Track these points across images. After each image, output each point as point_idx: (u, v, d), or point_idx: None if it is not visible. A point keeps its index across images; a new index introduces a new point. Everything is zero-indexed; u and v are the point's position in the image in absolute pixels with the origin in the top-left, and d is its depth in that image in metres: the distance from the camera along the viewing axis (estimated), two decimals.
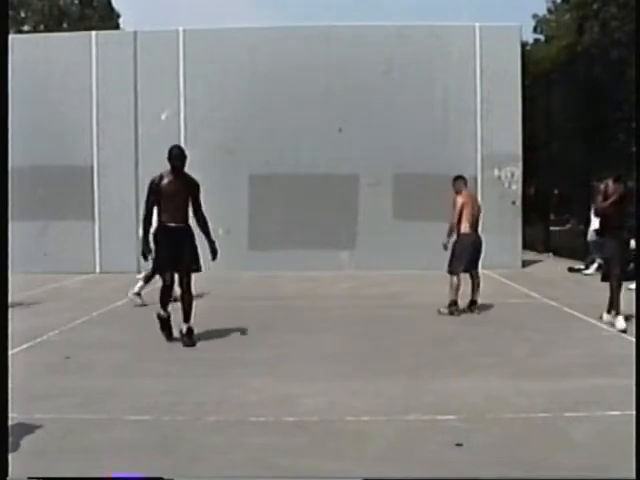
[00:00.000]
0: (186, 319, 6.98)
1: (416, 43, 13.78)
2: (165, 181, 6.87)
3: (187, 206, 6.94)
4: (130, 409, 4.80)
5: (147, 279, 9.67)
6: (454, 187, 8.77)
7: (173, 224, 6.85)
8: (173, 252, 6.82)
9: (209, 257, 7.00)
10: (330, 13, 52.59)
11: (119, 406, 4.88)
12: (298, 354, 6.48)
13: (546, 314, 8.54)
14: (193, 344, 6.83)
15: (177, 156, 6.90)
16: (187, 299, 7.00)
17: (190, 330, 6.97)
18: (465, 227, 8.58)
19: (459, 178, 8.87)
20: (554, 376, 5.51)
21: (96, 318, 8.62)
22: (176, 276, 7.01)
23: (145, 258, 7.01)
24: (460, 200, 8.60)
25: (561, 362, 6.00)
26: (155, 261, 7.05)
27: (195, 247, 6.99)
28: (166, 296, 7.00)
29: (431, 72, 13.74)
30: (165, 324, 7.05)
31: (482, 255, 8.86)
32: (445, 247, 8.69)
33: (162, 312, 7.03)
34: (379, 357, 6.36)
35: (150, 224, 6.93)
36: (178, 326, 7.04)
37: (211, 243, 7.05)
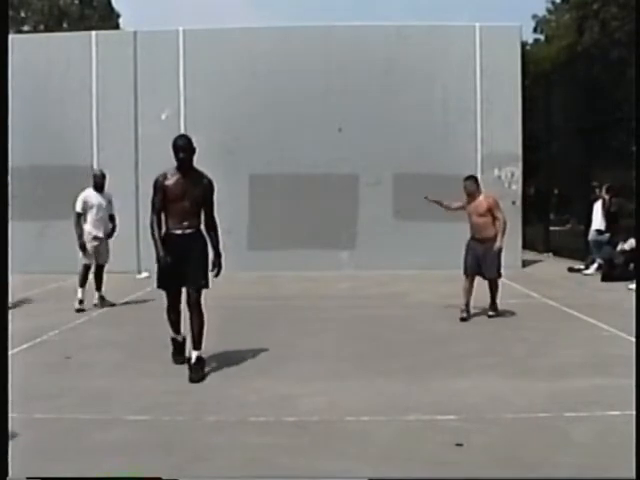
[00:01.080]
0: (195, 346, 5.84)
1: (416, 43, 13.77)
2: (170, 180, 5.84)
3: (198, 209, 5.88)
4: (130, 409, 4.79)
5: (97, 286, 9.38)
6: (471, 188, 8.44)
7: (179, 231, 5.79)
8: (177, 264, 5.74)
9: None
10: (330, 13, 52.62)
11: (119, 406, 4.88)
12: (298, 354, 6.48)
13: (546, 314, 8.54)
14: (201, 379, 5.64)
15: (183, 147, 5.87)
16: (197, 321, 5.87)
17: (200, 360, 5.82)
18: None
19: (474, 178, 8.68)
20: (554, 376, 5.51)
21: (96, 318, 8.62)
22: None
23: (160, 262, 5.83)
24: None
25: (561, 362, 6.01)
26: (157, 275, 5.97)
27: (206, 258, 5.90)
28: (173, 317, 6.07)
29: (431, 72, 13.73)
30: (178, 349, 6.17)
31: None
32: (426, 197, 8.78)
33: (174, 334, 6.16)
34: (379, 357, 6.36)
35: (159, 228, 5.84)
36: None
37: (217, 257, 5.94)
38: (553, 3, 31.03)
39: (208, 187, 5.92)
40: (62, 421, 4.55)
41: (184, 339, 6.10)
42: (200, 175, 5.95)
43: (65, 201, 14.13)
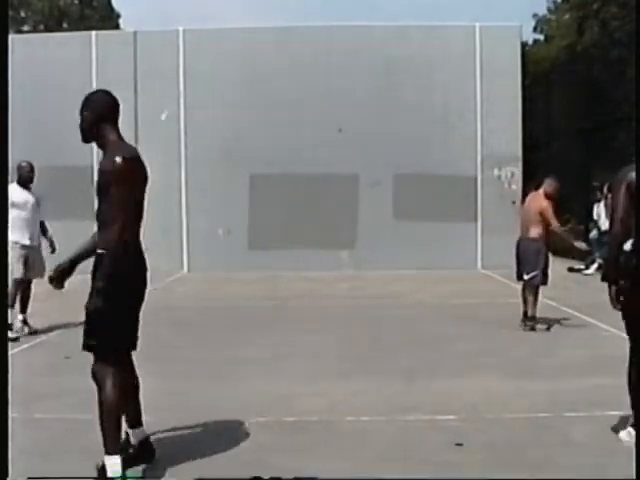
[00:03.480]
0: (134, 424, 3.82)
1: (416, 43, 13.80)
2: (136, 164, 3.64)
3: (103, 214, 3.71)
4: None
5: (24, 306, 7.60)
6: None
7: (139, 248, 3.72)
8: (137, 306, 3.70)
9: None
10: (330, 13, 52.58)
11: None
12: (298, 354, 6.47)
13: (546, 314, 8.53)
14: None
15: (104, 107, 3.68)
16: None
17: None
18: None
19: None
20: (554, 376, 5.52)
21: None
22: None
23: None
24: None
25: (561, 362, 6.01)
26: (106, 325, 3.51)
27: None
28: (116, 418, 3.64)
29: (431, 72, 13.75)
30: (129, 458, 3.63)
31: (531, 261, 7.85)
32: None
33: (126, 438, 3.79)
34: (379, 357, 6.36)
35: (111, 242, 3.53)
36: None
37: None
38: (553, 3, 31.02)
39: (100, 173, 3.67)
40: (62, 421, 4.55)
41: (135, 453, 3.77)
42: (106, 155, 3.64)
43: (64, 201, 14.22)
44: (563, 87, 17.54)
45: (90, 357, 3.63)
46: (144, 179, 3.70)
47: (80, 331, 3.63)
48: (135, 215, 3.64)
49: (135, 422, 3.83)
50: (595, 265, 12.67)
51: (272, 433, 4.31)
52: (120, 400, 3.61)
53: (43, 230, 7.94)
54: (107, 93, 3.78)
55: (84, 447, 4.08)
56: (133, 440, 3.80)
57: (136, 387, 3.84)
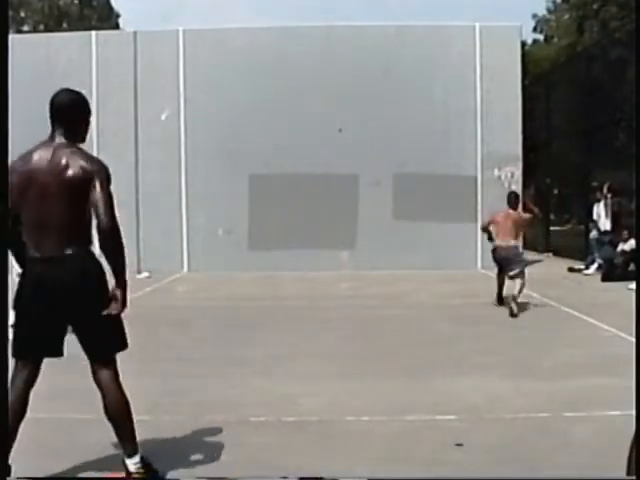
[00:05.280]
0: (129, 449, 3.49)
1: (416, 43, 13.81)
2: (28, 165, 3.51)
3: (74, 213, 3.50)
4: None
5: None
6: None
7: (38, 254, 3.43)
8: (47, 316, 3.48)
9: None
10: (330, 13, 52.63)
11: None
12: (298, 354, 6.47)
13: (546, 314, 8.54)
14: None
15: (61, 106, 3.72)
16: (120, 411, 3.67)
17: (146, 468, 3.48)
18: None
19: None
20: (554, 376, 5.52)
21: None
22: None
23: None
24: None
25: (561, 362, 6.01)
26: (14, 336, 3.54)
27: (101, 297, 3.64)
28: (14, 417, 3.46)
29: (431, 72, 13.76)
30: None
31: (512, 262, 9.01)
32: None
33: None
34: (379, 357, 6.36)
35: (20, 253, 3.50)
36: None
37: (118, 282, 3.69)
38: (553, 3, 31.04)
39: (91, 172, 3.57)
40: (62, 421, 4.55)
41: None
42: (73, 156, 3.61)
43: None
44: (563, 87, 17.54)
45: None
46: (24, 184, 3.48)
47: None
48: (27, 220, 3.45)
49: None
50: (595, 265, 12.67)
51: (272, 433, 4.31)
52: (16, 408, 3.50)
53: None
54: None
55: (84, 447, 4.09)
56: None
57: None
